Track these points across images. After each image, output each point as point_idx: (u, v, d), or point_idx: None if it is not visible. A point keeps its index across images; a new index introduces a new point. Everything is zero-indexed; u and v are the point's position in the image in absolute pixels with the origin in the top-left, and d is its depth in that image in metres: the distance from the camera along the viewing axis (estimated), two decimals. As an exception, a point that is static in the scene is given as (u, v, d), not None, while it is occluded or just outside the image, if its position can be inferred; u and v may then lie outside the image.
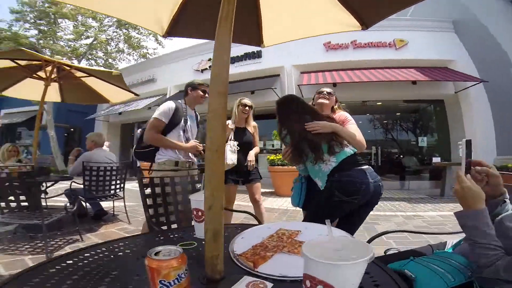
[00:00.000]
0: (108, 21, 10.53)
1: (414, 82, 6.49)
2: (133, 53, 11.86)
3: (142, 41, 11.71)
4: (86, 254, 0.78)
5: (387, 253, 1.26)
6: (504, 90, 6.22)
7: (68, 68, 3.29)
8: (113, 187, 3.37)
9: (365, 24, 1.49)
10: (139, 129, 2.30)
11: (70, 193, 3.29)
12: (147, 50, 11.89)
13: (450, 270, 0.86)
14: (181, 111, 2.18)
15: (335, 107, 2.01)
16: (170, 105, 2.14)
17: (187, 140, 2.21)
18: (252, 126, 2.66)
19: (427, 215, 3.97)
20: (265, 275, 0.61)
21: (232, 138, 2.47)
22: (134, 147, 2.23)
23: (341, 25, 1.53)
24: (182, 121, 2.18)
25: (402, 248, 2.30)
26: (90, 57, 10.87)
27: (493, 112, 6.55)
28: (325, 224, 0.52)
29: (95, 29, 10.40)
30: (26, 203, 2.31)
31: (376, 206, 1.56)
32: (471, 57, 6.96)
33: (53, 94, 3.88)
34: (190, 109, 2.33)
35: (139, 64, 11.36)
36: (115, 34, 11.00)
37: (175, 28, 1.59)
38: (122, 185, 3.52)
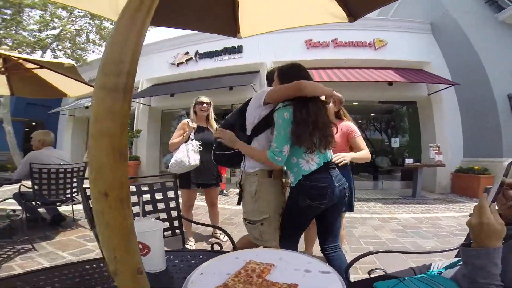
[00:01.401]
0: (79, 12, 9.72)
1: (390, 83, 6.58)
2: (104, 44, 11.09)
3: None
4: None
5: (371, 275, 1.15)
6: (473, 94, 6.52)
7: (15, 59, 2.87)
8: (69, 190, 2.99)
9: (353, 15, 1.35)
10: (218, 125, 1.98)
11: (20, 197, 2.86)
12: None
13: None
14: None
15: (340, 112, 2.02)
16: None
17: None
18: (213, 125, 2.56)
19: (401, 218, 4.01)
20: None
21: (193, 138, 2.35)
22: (213, 148, 1.63)
23: (328, 16, 1.37)
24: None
25: (383, 261, 2.24)
26: (56, 48, 10.00)
27: (462, 115, 6.85)
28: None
29: (63, 19, 9.57)
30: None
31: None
32: (446, 59, 7.21)
33: (1, 87, 3.43)
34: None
35: None
36: (86, 24, 10.23)
37: (154, 18, 1.36)
38: (79, 188, 3.13)
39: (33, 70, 3.09)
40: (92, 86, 3.17)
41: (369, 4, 1.35)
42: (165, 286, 0.79)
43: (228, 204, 4.93)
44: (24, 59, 2.94)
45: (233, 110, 8.49)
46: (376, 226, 3.55)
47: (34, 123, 12.05)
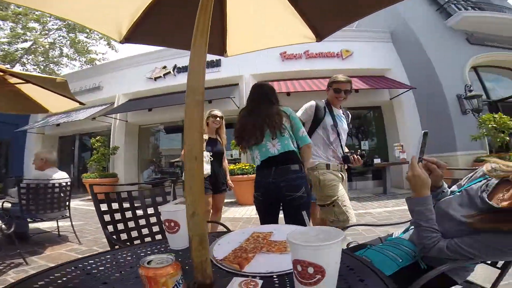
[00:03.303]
0: (52, 24, 9.41)
1: (356, 91, 7.08)
2: (78, 58, 10.75)
3: (91, 45, 10.71)
4: (56, 274, 0.69)
5: (349, 246, 1.42)
6: (428, 96, 7.23)
7: (1, 73, 2.81)
8: (56, 206, 3.00)
9: (320, 36, 1.65)
10: None
11: (3, 214, 2.84)
12: (96, 54, 10.90)
13: (399, 254, 1.01)
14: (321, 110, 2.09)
15: None
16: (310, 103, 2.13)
17: (329, 141, 2.07)
18: (224, 138, 2.76)
19: (375, 212, 4.43)
20: (253, 274, 0.64)
21: (204, 149, 2.50)
22: None
23: (299, 37, 1.66)
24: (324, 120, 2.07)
25: (360, 241, 2.56)
26: (26, 61, 9.52)
27: (420, 116, 7.55)
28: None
29: (36, 32, 9.18)
30: None
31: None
32: (404, 65, 7.92)
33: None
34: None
35: (84, 70, 10.31)
36: (60, 38, 9.87)
37: (135, 34, 1.50)
38: (67, 204, 3.17)
39: (16, 85, 2.98)
40: (80, 102, 3.20)
41: (332, 27, 1.67)
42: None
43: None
44: (12, 73, 2.83)
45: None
46: (356, 221, 3.90)
47: (-1, 142, 11.19)
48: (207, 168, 2.42)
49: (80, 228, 3.59)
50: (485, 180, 0.87)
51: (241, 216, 4.65)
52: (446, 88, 6.85)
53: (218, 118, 2.63)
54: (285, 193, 1.56)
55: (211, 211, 2.64)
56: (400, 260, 0.98)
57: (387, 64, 7.96)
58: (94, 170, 8.25)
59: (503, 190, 0.79)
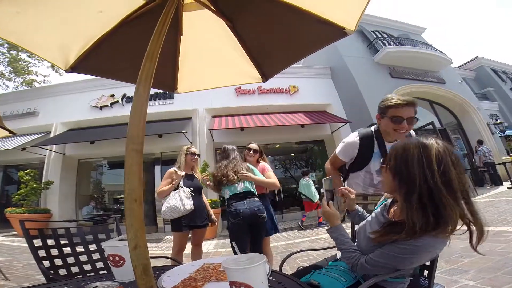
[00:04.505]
0: None
1: (302, 126, 7.67)
2: (15, 79, 9.49)
3: (32, 65, 9.65)
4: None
5: (298, 269, 1.50)
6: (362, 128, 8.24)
7: None
8: None
9: (265, 76, 1.86)
10: None
11: None
12: (36, 75, 9.79)
13: (341, 274, 1.14)
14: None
15: (259, 159, 2.72)
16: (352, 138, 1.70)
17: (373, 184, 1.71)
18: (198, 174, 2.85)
19: (327, 236, 4.65)
20: None
21: (183, 185, 2.54)
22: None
23: (247, 77, 1.86)
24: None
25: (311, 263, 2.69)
26: None
27: None
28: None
29: None
30: None
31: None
32: (341, 100, 8.71)
33: None
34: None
35: (19, 92, 9.17)
36: None
37: (83, 64, 1.45)
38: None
39: None
40: (9, 130, 2.82)
41: (275, 68, 1.89)
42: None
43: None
44: None
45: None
46: (308, 246, 4.05)
47: None
48: (190, 204, 2.44)
49: (5, 265, 3.37)
50: (385, 201, 1.10)
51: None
52: (375, 120, 7.86)
53: (196, 156, 2.74)
54: (258, 214, 2.11)
55: (191, 246, 2.65)
56: (344, 280, 1.09)
57: (327, 99, 8.74)
58: (21, 205, 6.96)
59: (393, 207, 1.02)
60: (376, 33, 10.37)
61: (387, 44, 9.48)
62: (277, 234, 3.30)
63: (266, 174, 2.53)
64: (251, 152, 2.73)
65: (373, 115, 7.75)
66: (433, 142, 0.85)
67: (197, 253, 2.70)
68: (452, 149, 0.86)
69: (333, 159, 1.78)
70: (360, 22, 1.22)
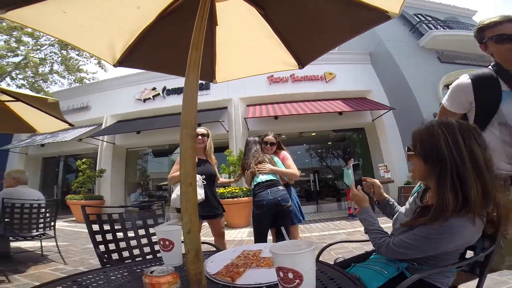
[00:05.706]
0: (45, 40, 9.37)
1: (340, 113, 7.42)
2: (68, 77, 10.67)
3: (82, 64, 10.65)
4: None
5: (336, 262, 1.47)
6: (407, 115, 7.49)
7: None
8: (41, 225, 2.98)
9: (302, 63, 1.80)
10: None
11: None
12: (87, 73, 10.85)
13: (383, 267, 1.09)
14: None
15: (277, 150, 2.63)
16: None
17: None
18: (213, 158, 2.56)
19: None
20: (244, 286, 0.70)
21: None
22: None
23: (283, 65, 1.81)
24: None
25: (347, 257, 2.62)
26: (15, 76, 9.33)
27: (401, 136, 7.81)
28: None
29: (28, 47, 9.08)
30: None
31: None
32: (383, 86, 8.22)
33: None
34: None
35: (73, 89, 10.20)
36: (52, 54, 9.76)
37: (129, 59, 1.54)
38: (52, 224, 3.14)
39: (5, 103, 2.90)
40: (69, 123, 3.18)
41: (313, 55, 1.83)
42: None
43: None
44: (2, 91, 2.68)
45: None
46: (343, 239, 3.92)
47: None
48: (201, 193, 2.19)
49: (64, 249, 3.51)
50: (419, 189, 1.12)
51: (233, 239, 4.58)
52: (422, 107, 7.12)
53: (199, 136, 2.38)
54: (282, 204, 2.10)
55: (214, 238, 2.44)
56: (386, 272, 1.05)
57: (367, 85, 8.29)
58: (79, 192, 7.98)
59: (427, 193, 1.03)
60: (419, 16, 9.43)
61: (433, 27, 8.56)
62: (310, 225, 3.26)
63: (286, 163, 2.48)
64: (268, 145, 2.52)
65: (419, 101, 7.15)
66: (453, 120, 0.87)
67: (222, 244, 2.39)
68: (475, 127, 0.86)
69: (442, 113, 1.35)
70: (401, 6, 1.12)
